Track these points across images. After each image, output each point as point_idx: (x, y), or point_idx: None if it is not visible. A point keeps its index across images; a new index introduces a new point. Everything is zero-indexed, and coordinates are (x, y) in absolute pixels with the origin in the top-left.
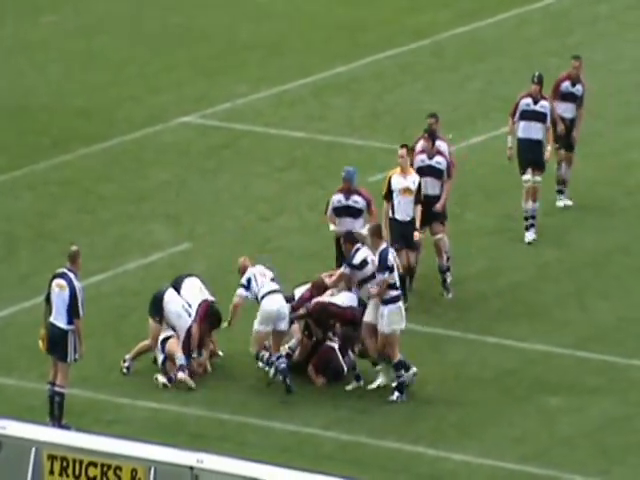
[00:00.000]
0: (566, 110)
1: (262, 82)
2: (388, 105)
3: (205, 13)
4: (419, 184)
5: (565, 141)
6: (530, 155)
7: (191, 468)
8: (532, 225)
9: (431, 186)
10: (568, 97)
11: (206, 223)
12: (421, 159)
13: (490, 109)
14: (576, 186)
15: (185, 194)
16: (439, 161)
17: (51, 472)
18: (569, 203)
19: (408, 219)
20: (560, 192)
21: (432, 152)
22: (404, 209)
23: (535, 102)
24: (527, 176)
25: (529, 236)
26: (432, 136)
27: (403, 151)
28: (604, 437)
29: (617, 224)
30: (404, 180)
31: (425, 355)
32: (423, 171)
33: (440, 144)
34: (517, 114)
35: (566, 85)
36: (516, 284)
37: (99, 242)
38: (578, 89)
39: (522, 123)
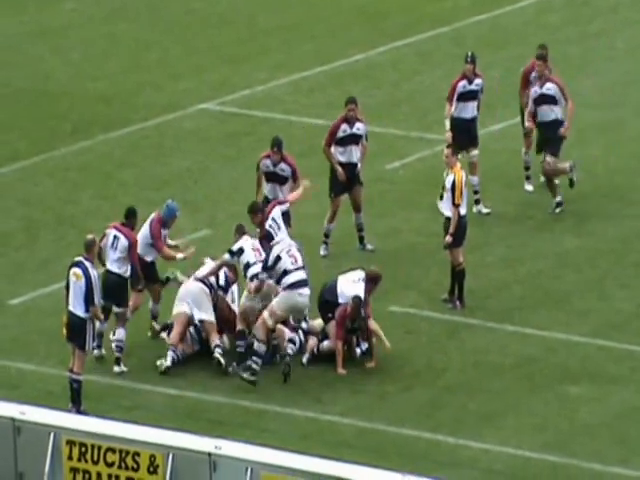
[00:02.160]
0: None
1: (281, 69)
2: (407, 93)
3: None
4: (452, 184)
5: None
6: (466, 133)
7: (209, 454)
8: (478, 200)
9: (276, 191)
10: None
11: (225, 210)
12: (266, 165)
13: (509, 97)
14: (596, 174)
15: (205, 181)
16: (283, 168)
17: (70, 457)
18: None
19: (446, 216)
20: (527, 178)
21: (276, 160)
22: (444, 207)
23: (470, 82)
24: (459, 156)
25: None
26: (279, 147)
27: (448, 151)
28: (624, 426)
29: (638, 212)
30: (445, 179)
31: (445, 343)
32: (269, 177)
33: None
34: (455, 97)
35: (534, 75)
36: (536, 272)
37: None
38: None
39: (459, 104)
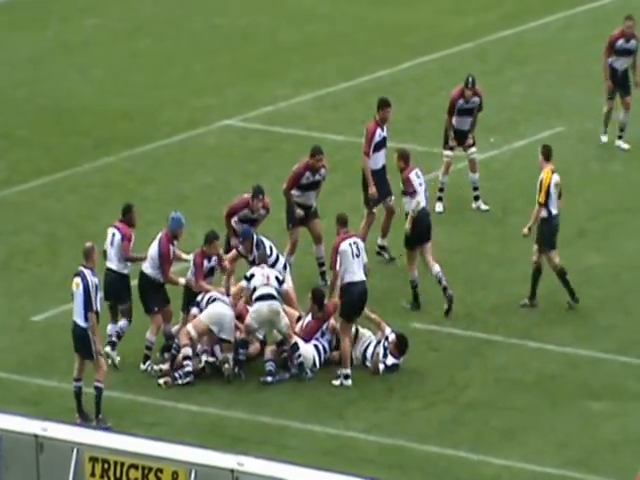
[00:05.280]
0: (622, 63)
1: (304, 85)
2: (430, 109)
3: (248, 15)
4: (540, 183)
5: (620, 88)
6: (461, 142)
7: (232, 471)
8: (477, 197)
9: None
10: (623, 52)
11: None
12: (244, 214)
13: (533, 113)
14: (619, 189)
15: (226, 197)
16: (261, 213)
17: (92, 474)
18: (625, 147)
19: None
20: (620, 137)
21: (257, 208)
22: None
23: (467, 102)
24: (452, 153)
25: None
26: (263, 195)
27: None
28: None
29: None
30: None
31: (467, 359)
32: (246, 221)
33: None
34: (455, 112)
35: (620, 42)
36: (559, 288)
37: (141, 244)
38: (632, 44)
39: (456, 118)
